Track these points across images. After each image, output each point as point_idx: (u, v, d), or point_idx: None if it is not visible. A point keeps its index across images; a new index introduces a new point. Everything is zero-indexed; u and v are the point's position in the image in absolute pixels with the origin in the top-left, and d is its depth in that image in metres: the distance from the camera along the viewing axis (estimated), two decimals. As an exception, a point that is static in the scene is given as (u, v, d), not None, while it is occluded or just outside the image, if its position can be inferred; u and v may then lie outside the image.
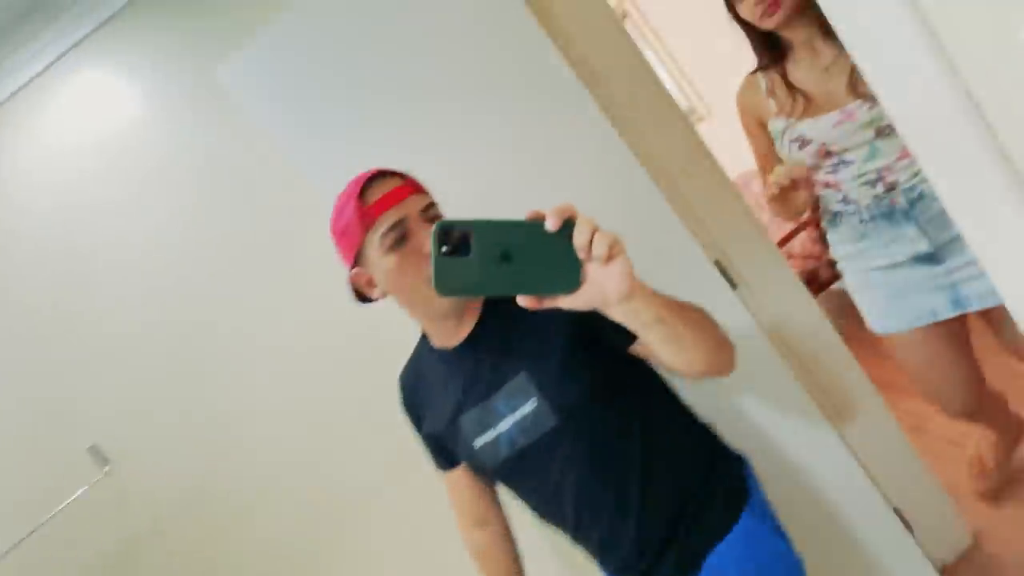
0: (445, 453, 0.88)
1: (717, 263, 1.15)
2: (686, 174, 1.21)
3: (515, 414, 0.76)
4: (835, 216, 1.07)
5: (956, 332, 1.09)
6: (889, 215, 1.00)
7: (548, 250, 0.50)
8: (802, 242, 2.45)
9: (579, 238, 0.49)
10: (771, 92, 1.03)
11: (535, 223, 0.49)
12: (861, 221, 1.03)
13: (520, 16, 1.08)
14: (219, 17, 1.20)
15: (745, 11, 0.96)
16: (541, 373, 0.75)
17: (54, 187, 1.27)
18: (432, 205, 0.75)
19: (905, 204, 0.98)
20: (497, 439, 0.77)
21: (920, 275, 1.02)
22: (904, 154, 0.95)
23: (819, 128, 0.98)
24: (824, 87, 0.99)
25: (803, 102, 0.99)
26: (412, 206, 0.72)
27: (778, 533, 0.81)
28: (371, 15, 1.08)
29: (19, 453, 1.26)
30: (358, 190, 0.72)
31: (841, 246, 1.10)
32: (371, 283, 0.76)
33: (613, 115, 1.11)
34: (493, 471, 0.83)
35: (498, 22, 1.09)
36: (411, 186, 0.75)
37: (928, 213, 0.98)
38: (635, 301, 0.53)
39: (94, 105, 1.26)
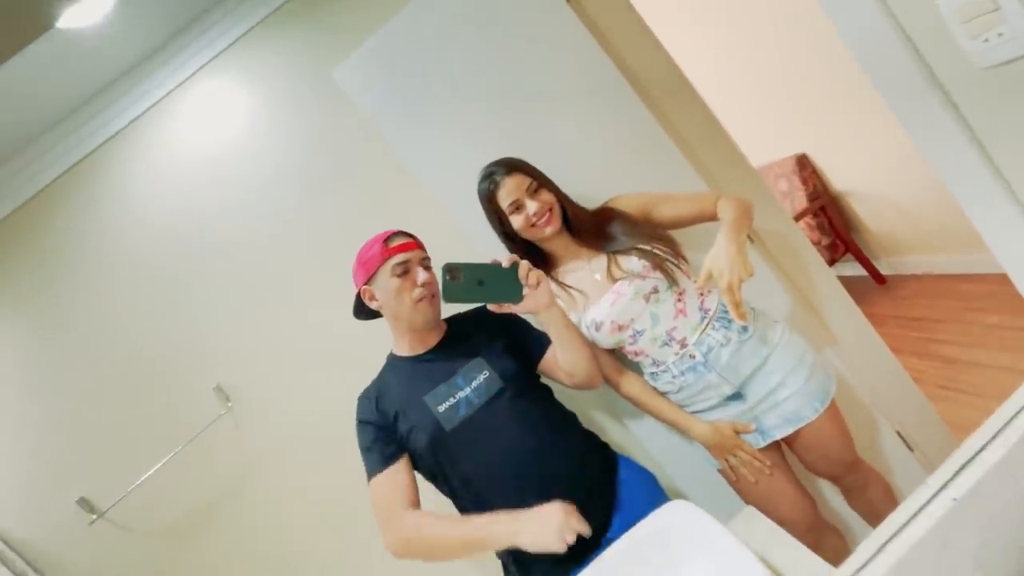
0: (393, 444, 1.08)
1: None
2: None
3: (472, 384, 1.10)
4: (652, 376, 1.22)
5: (775, 461, 1.20)
6: (692, 368, 1.14)
7: (504, 278, 0.96)
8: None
9: (520, 273, 0.97)
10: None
11: (498, 264, 0.96)
12: (673, 377, 1.17)
13: (574, 24, 1.36)
14: (335, 26, 1.45)
15: (520, 225, 1.15)
16: (491, 355, 1.13)
17: (188, 190, 1.48)
18: (427, 258, 1.16)
19: (701, 358, 1.13)
20: (458, 402, 1.09)
21: (733, 413, 1.17)
22: (679, 311, 1.13)
23: (602, 311, 1.15)
24: (591, 279, 1.18)
25: (580, 296, 1.18)
26: (416, 255, 1.13)
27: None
28: (466, 21, 1.34)
29: (154, 391, 1.51)
30: (384, 237, 1.13)
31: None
32: (374, 298, 1.13)
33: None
34: (449, 434, 1.06)
35: (554, 27, 1.38)
36: (417, 244, 1.15)
37: (721, 361, 1.13)
38: (552, 311, 1.04)
39: (219, 115, 1.48)
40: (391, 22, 1.33)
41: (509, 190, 1.14)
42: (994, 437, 0.60)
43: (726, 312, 1.14)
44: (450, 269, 0.94)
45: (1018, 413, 0.60)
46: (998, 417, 0.62)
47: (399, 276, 1.10)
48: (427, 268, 1.14)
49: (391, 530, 1.02)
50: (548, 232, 1.15)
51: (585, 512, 1.02)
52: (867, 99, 2.18)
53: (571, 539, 0.89)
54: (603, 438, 1.24)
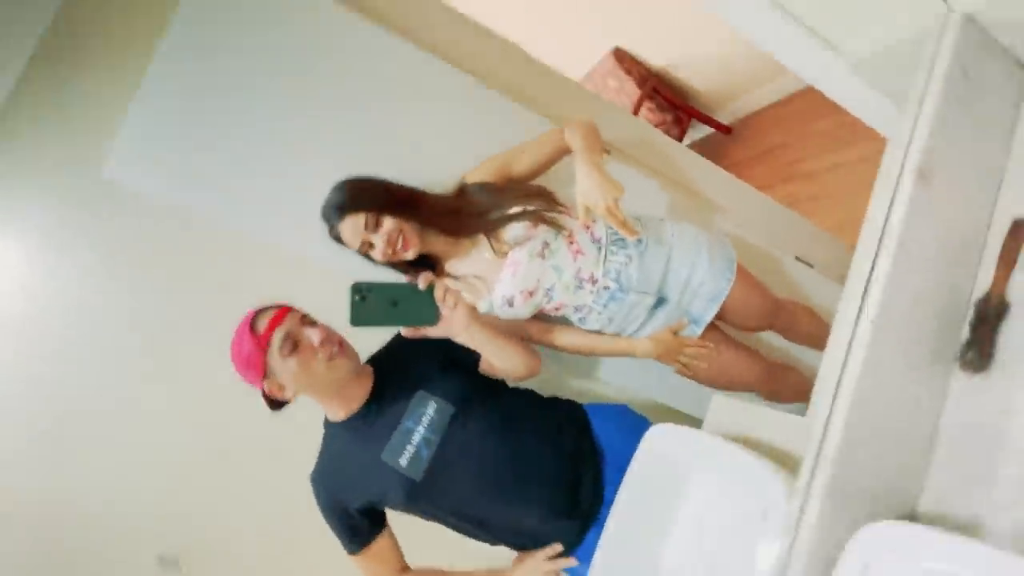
0: (365, 520, 1.04)
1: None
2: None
3: (423, 421, 1.02)
4: (580, 321, 1.22)
5: (716, 339, 1.27)
6: (612, 298, 1.15)
7: (419, 300, 0.87)
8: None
9: (437, 294, 0.87)
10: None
11: (412, 284, 0.86)
12: (599, 314, 1.18)
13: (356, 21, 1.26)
14: (74, 119, 1.22)
15: (380, 259, 1.08)
16: (430, 383, 1.05)
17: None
18: (305, 315, 1.00)
19: (614, 284, 1.14)
20: (418, 448, 1.01)
21: (662, 318, 1.21)
22: (576, 252, 1.12)
23: (507, 286, 1.12)
24: (483, 262, 1.14)
25: (480, 282, 1.15)
26: (292, 320, 0.97)
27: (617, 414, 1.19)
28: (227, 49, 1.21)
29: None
30: (248, 326, 0.96)
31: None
32: (282, 388, 0.98)
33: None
34: (422, 484, 1.00)
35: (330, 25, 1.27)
36: (283, 309, 0.98)
37: (632, 279, 1.14)
38: (471, 331, 0.95)
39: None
40: (144, 86, 1.16)
41: (350, 236, 1.06)
42: (877, 253, 0.63)
43: (616, 233, 1.15)
44: (358, 289, 0.83)
45: (887, 221, 0.63)
46: (871, 228, 0.65)
47: (291, 354, 0.95)
48: (312, 324, 0.99)
49: None
50: (410, 255, 1.09)
51: (579, 481, 1.04)
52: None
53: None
54: (564, 392, 1.24)
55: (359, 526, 1.03)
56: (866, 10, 0.79)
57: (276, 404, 1.03)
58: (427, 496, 1.01)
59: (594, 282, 1.15)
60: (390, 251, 1.06)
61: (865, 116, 1.00)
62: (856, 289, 0.64)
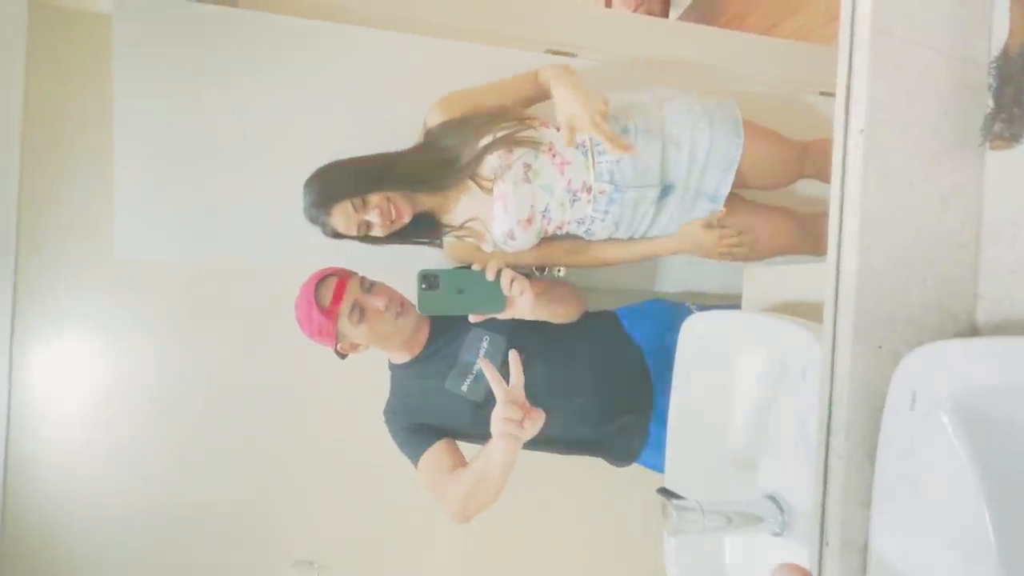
0: (432, 432, 1.10)
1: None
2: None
3: (479, 353, 1.11)
4: (587, 233, 1.16)
5: (743, 210, 1.19)
6: (611, 200, 1.09)
7: (486, 288, 0.86)
8: None
9: (503, 281, 0.85)
10: (462, 241, 1.16)
11: (480, 271, 0.85)
12: (603, 220, 1.12)
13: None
14: None
15: (381, 232, 1.06)
16: (483, 324, 1.07)
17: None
18: (363, 279, 1.08)
19: (610, 186, 1.08)
20: (476, 375, 1.10)
21: (674, 206, 1.13)
22: (562, 164, 1.07)
23: (502, 222, 1.08)
24: (472, 204, 1.10)
25: (477, 223, 1.12)
26: (353, 288, 1.05)
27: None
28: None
29: None
30: (310, 299, 1.03)
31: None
32: (355, 346, 1.10)
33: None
34: (484, 403, 1.06)
35: None
36: (343, 275, 1.06)
37: (628, 176, 1.08)
38: (536, 312, 0.94)
39: None
40: (118, 160, 1.19)
41: (344, 225, 1.05)
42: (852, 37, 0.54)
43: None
44: (426, 277, 0.85)
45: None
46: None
47: (360, 321, 1.04)
48: (371, 286, 1.07)
49: (444, 501, 1.03)
50: (407, 219, 1.08)
51: (627, 388, 1.15)
52: None
53: None
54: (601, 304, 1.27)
55: (422, 437, 1.10)
56: None
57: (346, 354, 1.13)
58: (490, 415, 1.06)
59: (588, 190, 1.09)
60: (387, 222, 1.05)
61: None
62: (840, 94, 0.55)
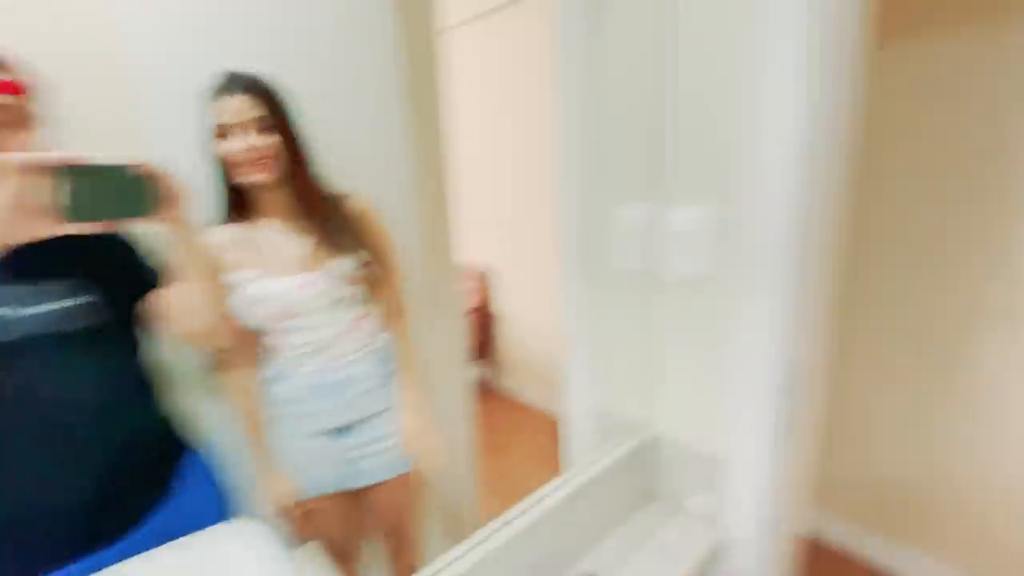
0: None
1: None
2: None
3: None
4: (276, 377, 1.08)
5: (337, 511, 1.16)
6: (322, 386, 1.09)
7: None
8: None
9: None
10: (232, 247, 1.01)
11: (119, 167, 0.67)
12: (298, 388, 1.08)
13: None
14: None
15: (223, 153, 0.94)
16: None
17: None
18: None
19: (342, 378, 1.10)
20: None
21: (334, 448, 1.13)
22: (351, 329, 1.09)
23: (279, 288, 1.01)
24: (287, 251, 1.03)
25: (262, 258, 1.02)
26: None
27: None
28: None
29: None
30: None
31: None
32: None
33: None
34: None
35: None
36: None
37: (347, 393, 1.10)
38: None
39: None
40: None
41: (232, 114, 0.93)
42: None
43: (385, 352, 1.16)
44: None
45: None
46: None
47: None
48: None
49: None
50: (264, 178, 0.97)
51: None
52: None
53: None
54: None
55: None
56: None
57: None
58: None
59: (330, 361, 1.10)
60: (250, 157, 0.95)
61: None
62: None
